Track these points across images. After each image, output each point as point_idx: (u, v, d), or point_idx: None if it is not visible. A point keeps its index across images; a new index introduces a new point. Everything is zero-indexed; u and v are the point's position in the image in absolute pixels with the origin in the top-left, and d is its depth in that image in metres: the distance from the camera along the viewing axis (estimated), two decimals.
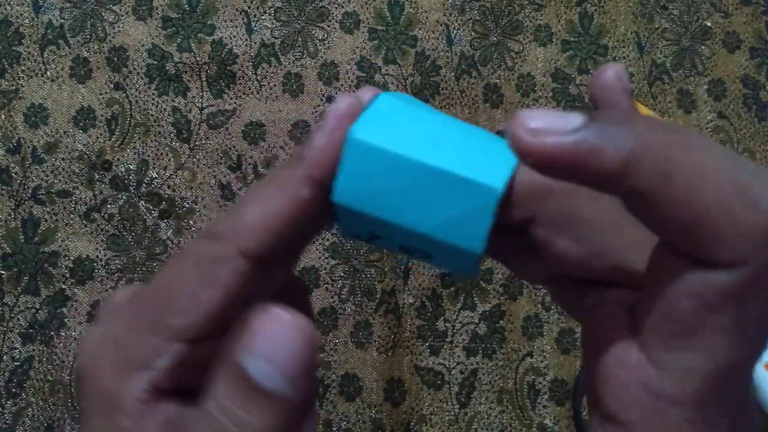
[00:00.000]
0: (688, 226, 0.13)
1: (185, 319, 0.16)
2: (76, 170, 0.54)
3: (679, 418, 0.14)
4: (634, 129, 0.13)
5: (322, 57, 0.57)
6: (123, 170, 0.54)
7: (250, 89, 0.56)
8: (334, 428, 0.51)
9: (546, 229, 0.18)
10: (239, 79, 0.56)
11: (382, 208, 0.17)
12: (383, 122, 0.17)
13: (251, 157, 0.55)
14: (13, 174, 0.53)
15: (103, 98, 0.55)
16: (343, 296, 0.54)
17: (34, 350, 0.51)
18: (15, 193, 0.53)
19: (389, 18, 0.58)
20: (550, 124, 0.13)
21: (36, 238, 0.53)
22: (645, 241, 0.16)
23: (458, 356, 0.54)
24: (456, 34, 0.59)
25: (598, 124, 0.13)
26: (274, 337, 0.14)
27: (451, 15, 0.59)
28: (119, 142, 0.55)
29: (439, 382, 0.53)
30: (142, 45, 0.56)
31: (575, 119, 0.13)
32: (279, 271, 0.19)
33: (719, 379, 0.14)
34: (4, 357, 0.51)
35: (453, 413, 0.53)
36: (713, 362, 0.14)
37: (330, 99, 0.57)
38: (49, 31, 0.56)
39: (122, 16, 0.56)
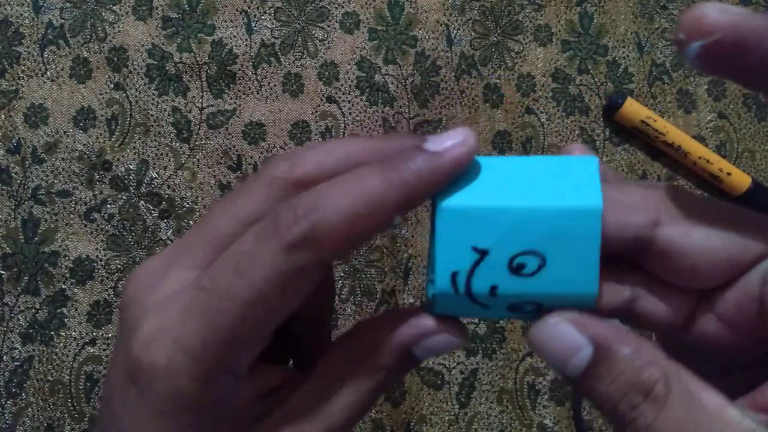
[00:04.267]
0: None
1: (265, 337, 0.17)
2: (76, 170, 0.54)
3: None
4: None
5: (322, 57, 0.57)
6: (123, 170, 0.54)
7: (250, 89, 0.56)
8: None
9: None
10: (239, 79, 0.56)
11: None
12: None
13: (251, 157, 0.55)
14: (13, 174, 0.53)
15: (103, 98, 0.55)
16: (343, 296, 0.54)
17: (34, 350, 0.51)
18: (15, 193, 0.53)
19: (389, 18, 0.58)
20: (734, 10, 0.15)
21: (36, 238, 0.53)
22: None
23: (458, 356, 0.54)
24: (456, 34, 0.59)
25: None
26: None
27: (451, 15, 0.59)
28: (119, 142, 0.55)
29: (439, 382, 0.53)
30: (142, 45, 0.56)
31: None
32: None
33: None
34: (4, 357, 0.51)
35: (453, 413, 0.53)
36: None
37: (330, 99, 0.57)
38: (49, 31, 0.56)
39: (122, 16, 0.56)
